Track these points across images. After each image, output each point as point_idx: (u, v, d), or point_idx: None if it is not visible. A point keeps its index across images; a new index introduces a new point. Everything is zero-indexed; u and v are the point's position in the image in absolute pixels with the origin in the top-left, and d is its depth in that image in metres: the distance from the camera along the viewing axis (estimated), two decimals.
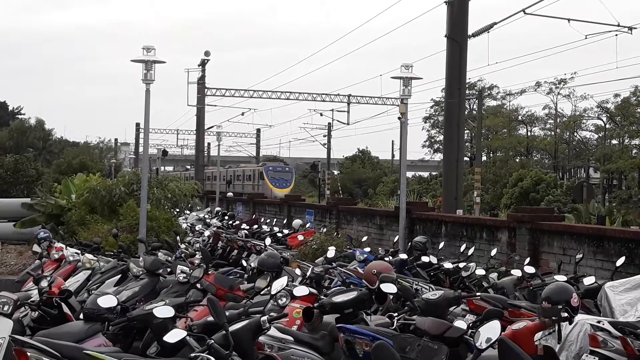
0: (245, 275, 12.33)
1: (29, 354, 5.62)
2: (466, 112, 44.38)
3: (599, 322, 7.39)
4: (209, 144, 71.32)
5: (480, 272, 11.64)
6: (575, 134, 67.57)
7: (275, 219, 25.61)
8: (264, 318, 6.17)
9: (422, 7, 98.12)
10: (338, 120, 52.81)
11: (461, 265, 12.10)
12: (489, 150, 70.44)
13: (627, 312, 8.25)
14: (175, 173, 68.11)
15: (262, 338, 6.52)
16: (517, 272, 11.04)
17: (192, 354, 5.59)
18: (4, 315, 7.27)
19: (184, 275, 9.61)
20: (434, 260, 13.07)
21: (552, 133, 68.16)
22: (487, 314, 6.69)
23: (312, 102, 52.72)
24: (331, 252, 13.35)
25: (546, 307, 6.10)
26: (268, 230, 21.23)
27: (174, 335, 5.81)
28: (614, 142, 63.89)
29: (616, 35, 24.55)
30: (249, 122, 78.72)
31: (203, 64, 49.83)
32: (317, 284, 10.10)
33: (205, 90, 49.38)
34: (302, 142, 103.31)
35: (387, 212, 20.11)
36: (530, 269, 10.92)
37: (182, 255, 12.88)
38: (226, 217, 26.66)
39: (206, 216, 27.16)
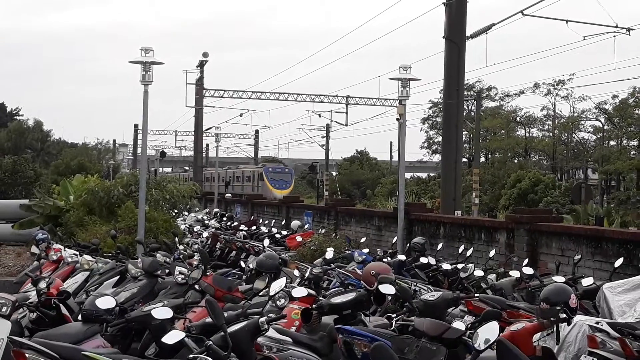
0: (244, 277, 12.31)
1: (27, 355, 5.61)
2: (464, 113, 44.40)
3: (597, 323, 7.39)
4: (207, 145, 71.32)
5: (479, 273, 11.65)
6: (574, 135, 67.66)
7: (273, 220, 25.62)
8: (263, 319, 6.16)
9: (421, 9, 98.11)
10: (336, 122, 52.84)
11: (460, 266, 12.10)
12: (488, 151, 70.49)
13: (626, 313, 8.25)
14: (173, 174, 68.10)
15: (260, 339, 6.52)
16: (515, 273, 11.05)
17: (191, 355, 5.59)
18: (2, 316, 7.25)
19: (183, 276, 9.60)
20: (432, 261, 13.07)
21: (551, 134, 68.25)
22: (486, 315, 6.70)
23: (310, 103, 52.74)
24: (330, 253, 13.35)
25: (544, 308, 6.10)
26: (266, 231, 21.25)
27: (172, 337, 5.81)
28: (612, 143, 63.96)
29: (614, 36, 24.59)
30: (248, 123, 78.47)
31: (201, 65, 49.80)
32: (316, 285, 10.11)
33: (204, 91, 49.35)
34: (301, 143, 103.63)
35: (385, 213, 20.11)
36: (528, 270, 10.93)
37: (181, 256, 12.87)
38: (224, 219, 26.66)
39: (205, 217, 27.15)
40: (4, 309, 7.27)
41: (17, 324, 7.97)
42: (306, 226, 22.22)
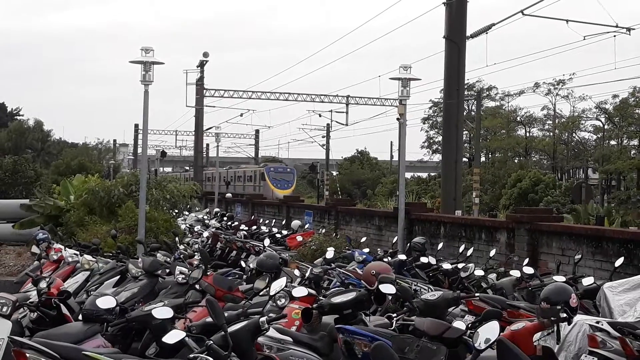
0: (244, 276, 12.32)
1: (27, 355, 5.61)
2: (465, 113, 44.41)
3: (597, 322, 7.39)
4: (207, 144, 71.32)
5: (479, 272, 11.65)
6: (574, 134, 67.67)
7: (274, 220, 25.62)
8: (263, 319, 6.17)
9: (421, 8, 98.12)
10: (337, 121, 52.84)
11: (460, 265, 12.10)
12: (488, 151, 70.50)
13: (626, 312, 8.25)
14: (174, 174, 68.10)
15: (261, 339, 6.52)
16: (515, 273, 11.04)
17: (191, 355, 5.59)
18: (3, 316, 7.26)
19: (183, 276, 9.61)
20: (432, 261, 13.07)
21: (551, 134, 68.26)
22: (486, 314, 6.70)
23: (310, 103, 52.76)
24: (330, 253, 13.35)
25: (545, 307, 6.10)
26: (267, 231, 21.24)
27: (172, 336, 5.81)
28: (613, 142, 63.99)
29: (614, 36, 24.57)
30: (248, 123, 78.51)
31: (202, 64, 49.80)
32: (316, 285, 10.11)
33: (204, 91, 49.35)
34: (301, 143, 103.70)
35: (386, 213, 20.12)
36: (529, 270, 10.93)
37: (181, 256, 12.87)
38: (225, 218, 26.67)
39: (205, 217, 27.15)
40: (4, 309, 7.28)
41: (18, 324, 7.97)
42: (306, 226, 22.22)
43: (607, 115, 63.02)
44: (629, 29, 24.26)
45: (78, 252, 12.76)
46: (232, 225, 23.68)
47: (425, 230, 16.98)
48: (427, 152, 78.33)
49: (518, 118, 69.49)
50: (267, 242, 15.65)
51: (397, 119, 18.16)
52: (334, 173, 68.37)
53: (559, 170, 69.54)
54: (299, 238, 18.39)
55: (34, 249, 13.42)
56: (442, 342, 6.46)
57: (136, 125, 70.80)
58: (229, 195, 42.95)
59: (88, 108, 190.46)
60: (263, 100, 51.97)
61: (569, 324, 6.68)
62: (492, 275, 12.17)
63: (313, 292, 8.51)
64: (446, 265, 12.34)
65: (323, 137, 58.28)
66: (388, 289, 7.47)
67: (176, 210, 20.39)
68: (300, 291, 7.99)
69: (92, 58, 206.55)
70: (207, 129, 56.01)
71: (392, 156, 78.32)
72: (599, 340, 7.12)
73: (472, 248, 13.82)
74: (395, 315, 7.52)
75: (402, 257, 13.11)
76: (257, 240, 17.85)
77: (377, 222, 19.57)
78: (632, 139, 62.38)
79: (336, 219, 22.06)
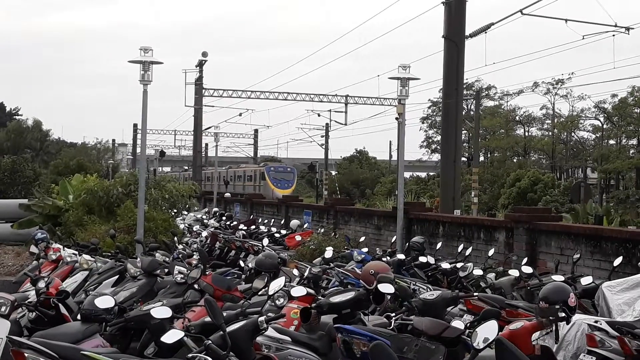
0: (243, 276, 12.32)
1: (26, 354, 5.61)
2: (464, 113, 44.42)
3: (596, 322, 7.39)
4: (206, 144, 71.26)
5: (478, 272, 11.64)
6: (573, 134, 67.72)
7: (272, 220, 25.60)
8: (262, 318, 6.17)
9: (420, 8, 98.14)
10: (336, 121, 52.86)
11: (459, 265, 12.10)
12: (487, 150, 70.57)
13: (625, 311, 8.25)
14: (173, 173, 68.11)
15: (259, 338, 6.52)
16: (514, 272, 11.04)
17: (190, 355, 5.59)
18: (1, 316, 7.25)
19: (182, 275, 9.61)
20: (431, 260, 13.06)
21: (550, 133, 68.32)
22: (485, 314, 6.70)
23: (309, 102, 52.78)
24: (329, 253, 13.34)
25: (544, 307, 6.10)
26: (266, 230, 21.22)
27: (171, 336, 5.81)
28: (612, 142, 64.07)
29: (613, 35, 24.63)
30: (247, 123, 78.60)
31: (200, 64, 49.80)
32: (315, 285, 10.10)
33: (203, 90, 49.35)
34: (300, 143, 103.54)
35: (384, 213, 20.11)
36: (527, 269, 10.93)
37: (180, 255, 12.86)
38: (224, 218, 26.66)
39: (204, 217, 27.14)
40: (2, 309, 7.26)
41: (16, 324, 7.97)
42: (305, 225, 22.20)
43: (606, 115, 63.07)
44: (627, 29, 24.30)
45: (77, 252, 12.76)
46: (231, 224, 23.66)
47: (424, 229, 16.98)
48: (426, 151, 78.50)
49: (517, 117, 69.58)
50: (265, 241, 15.63)
51: (396, 118, 18.14)
52: (333, 173, 68.42)
53: (558, 170, 69.60)
54: (298, 238, 18.37)
55: (33, 248, 13.41)
56: (440, 342, 6.46)
57: (135, 125, 70.74)
58: (227, 195, 42.94)
59: (87, 108, 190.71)
60: (262, 100, 52.02)
61: (567, 324, 6.69)
62: (491, 275, 12.16)
63: (312, 291, 8.51)
64: (445, 265, 12.33)
65: (322, 136, 58.36)
66: (387, 288, 7.47)
67: (175, 210, 20.37)
68: (299, 291, 8.00)
69: (92, 58, 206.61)
70: (206, 129, 56.02)
71: (391, 156, 78.40)
72: (597, 339, 7.12)
73: (470, 247, 13.81)
74: (394, 314, 7.52)
75: (401, 256, 13.11)
76: (255, 239, 17.83)
77: (375, 222, 19.57)
78: (630, 139, 62.47)
79: (335, 219, 22.05)
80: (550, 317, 6.10)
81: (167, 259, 12.23)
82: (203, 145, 64.06)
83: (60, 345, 6.04)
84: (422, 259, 13.07)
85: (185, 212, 24.50)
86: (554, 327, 6.35)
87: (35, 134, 74.96)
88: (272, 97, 51.74)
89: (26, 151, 66.73)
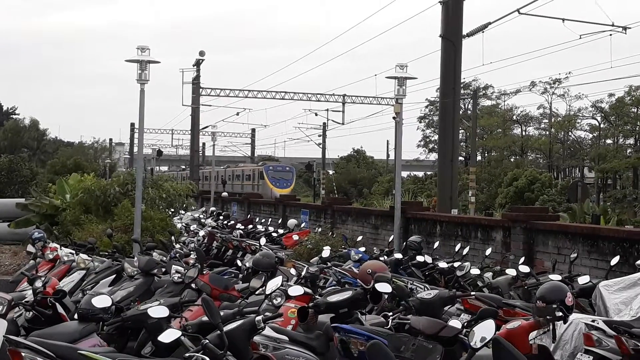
0: (240, 275, 12.31)
1: (23, 354, 5.60)
2: (461, 112, 44.49)
3: (593, 321, 7.40)
4: (203, 143, 71.28)
5: (475, 271, 11.64)
6: (570, 133, 67.77)
7: (270, 219, 25.60)
8: (259, 318, 6.17)
9: (417, 7, 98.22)
10: (333, 120, 52.87)
11: (456, 264, 12.09)
12: (484, 149, 70.65)
13: (622, 311, 8.26)
14: (170, 173, 68.06)
15: (256, 338, 6.52)
16: (511, 272, 11.05)
17: (187, 354, 5.59)
18: None
19: (179, 275, 9.60)
20: (428, 259, 13.06)
21: (547, 133, 68.37)
22: (482, 313, 6.70)
23: (307, 102, 52.76)
24: (326, 252, 13.34)
25: (541, 306, 6.10)
26: (263, 230, 21.21)
27: (168, 335, 5.80)
28: (609, 141, 64.15)
29: (610, 35, 24.63)
30: (244, 122, 78.88)
31: (198, 64, 49.77)
32: (312, 284, 10.09)
33: (200, 90, 49.34)
34: (297, 142, 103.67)
35: (382, 212, 20.11)
36: (524, 268, 10.94)
37: (177, 255, 12.86)
38: (221, 217, 26.65)
39: (201, 216, 27.13)
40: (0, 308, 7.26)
41: (13, 323, 7.96)
42: (303, 225, 22.21)
43: (603, 114, 63.14)
44: (624, 28, 24.31)
45: (74, 251, 12.75)
46: (228, 224, 23.66)
47: (421, 229, 16.98)
48: (423, 151, 78.56)
49: (514, 117, 69.62)
50: (263, 241, 15.63)
51: (393, 117, 18.18)
52: (330, 172, 68.37)
53: (555, 169, 69.67)
54: (295, 237, 18.38)
55: (30, 248, 13.40)
56: (438, 341, 6.47)
57: (132, 124, 70.69)
58: (225, 194, 42.93)
59: (84, 107, 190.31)
60: (259, 99, 52.06)
61: (564, 323, 6.70)
62: (488, 274, 12.17)
63: (309, 291, 8.50)
64: (442, 264, 12.33)
65: (319, 136, 58.39)
66: (384, 287, 7.47)
67: (172, 209, 20.38)
68: (296, 290, 7.99)
69: (90, 58, 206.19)
70: (203, 128, 55.99)
71: (388, 155, 78.42)
72: (594, 339, 7.13)
73: (468, 247, 13.82)
74: (391, 314, 7.52)
75: (398, 255, 13.10)
76: (253, 239, 17.84)
77: (373, 221, 19.57)
78: (627, 138, 62.55)
79: (332, 218, 22.05)
80: (548, 317, 6.10)
81: (165, 258, 12.23)
82: (200, 144, 64.06)
83: (58, 345, 6.03)
84: (420, 258, 13.07)
85: (183, 212, 24.49)
86: (551, 327, 6.35)
87: (32, 133, 74.94)
88: (269, 97, 51.76)
89: (23, 150, 66.70)
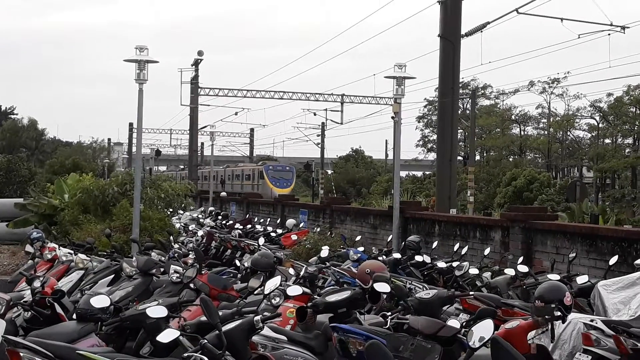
0: (239, 275, 12.32)
1: (21, 354, 5.60)
2: (460, 112, 44.49)
3: (592, 320, 7.41)
4: (202, 143, 71.23)
5: (474, 271, 11.65)
6: (569, 133, 67.76)
7: (268, 219, 25.59)
8: (257, 318, 6.16)
9: (416, 7, 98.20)
10: (331, 120, 52.93)
11: (455, 264, 12.10)
12: (483, 149, 70.63)
13: (620, 310, 8.27)
14: (169, 173, 68.04)
15: (255, 338, 6.52)
16: (510, 271, 11.06)
17: (185, 354, 5.58)
18: None
19: (177, 275, 9.60)
20: (427, 259, 13.07)
21: (546, 132, 68.35)
22: (480, 313, 6.70)
23: (305, 101, 52.82)
24: (325, 252, 13.34)
25: (539, 306, 6.10)
26: (261, 229, 21.20)
27: (167, 335, 5.80)
28: (607, 141, 64.14)
29: (609, 34, 24.63)
30: (243, 122, 78.84)
31: (196, 63, 49.78)
32: (311, 284, 10.10)
33: (199, 89, 49.35)
34: (296, 142, 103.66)
35: (380, 212, 20.11)
36: (523, 268, 10.94)
37: (176, 255, 12.86)
38: (220, 217, 26.65)
39: (200, 216, 27.12)
40: None
41: (12, 323, 7.94)
42: (301, 225, 22.20)
43: (601, 114, 63.13)
44: (623, 28, 24.32)
45: (72, 251, 12.75)
46: (227, 224, 23.66)
47: (419, 228, 16.98)
48: (422, 150, 78.52)
49: (513, 116, 69.61)
50: (261, 240, 15.64)
51: (392, 117, 18.14)
52: (329, 172, 68.39)
53: (554, 169, 69.67)
54: (294, 237, 18.39)
55: (28, 248, 13.39)
56: (436, 341, 6.47)
57: (131, 124, 70.70)
58: (223, 194, 42.91)
59: (83, 107, 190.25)
60: (258, 99, 52.12)
61: (563, 322, 6.69)
62: (487, 274, 12.18)
63: (308, 290, 8.51)
64: (441, 264, 12.34)
65: (318, 135, 58.37)
66: (383, 287, 7.46)
67: (171, 209, 20.37)
68: (294, 290, 7.99)
69: (89, 57, 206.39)
70: (201, 128, 55.98)
71: (387, 155, 78.34)
72: (593, 338, 7.13)
73: (466, 246, 13.81)
74: (389, 313, 7.53)
75: (397, 255, 13.10)
76: (251, 239, 17.82)
77: (371, 221, 19.57)
78: (626, 138, 62.54)
79: (331, 218, 22.05)
80: (546, 316, 6.10)
81: (163, 258, 12.23)
82: (199, 144, 64.06)
83: (56, 345, 6.03)
84: (418, 258, 13.08)
85: (181, 212, 24.49)
86: (549, 326, 6.35)
87: (30, 133, 74.89)
88: (267, 96, 51.78)
89: (21, 150, 66.63)
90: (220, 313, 6.36)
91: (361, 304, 7.69)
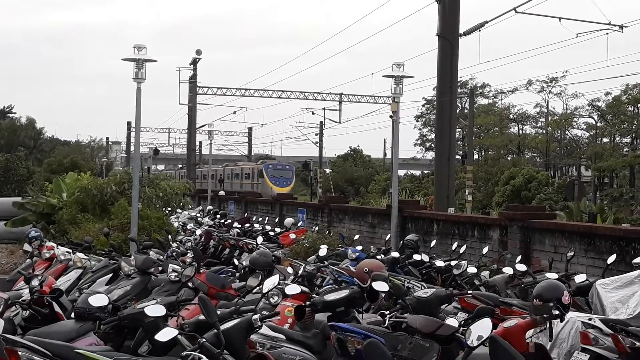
0: (237, 274, 12.31)
1: (20, 353, 5.60)
2: (458, 111, 44.40)
3: (590, 319, 7.41)
4: (200, 142, 71.34)
5: (472, 270, 11.65)
6: (567, 132, 67.81)
7: (267, 218, 25.59)
8: (256, 316, 6.16)
9: (414, 6, 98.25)
10: (330, 119, 52.91)
11: (453, 263, 12.11)
12: (481, 148, 70.64)
13: (618, 309, 8.27)
14: (167, 171, 68.00)
15: (253, 336, 6.52)
16: (508, 270, 11.06)
17: (184, 353, 5.58)
18: None
19: (176, 274, 9.59)
20: (425, 258, 13.07)
21: (544, 131, 68.39)
22: (479, 311, 6.70)
23: (304, 100, 52.83)
24: (323, 251, 13.35)
25: (537, 304, 6.11)
26: (260, 228, 21.21)
27: (165, 334, 5.80)
28: (605, 140, 64.17)
29: (607, 33, 24.62)
30: (241, 121, 78.85)
31: (194, 62, 49.77)
32: (309, 283, 10.11)
33: (197, 88, 49.33)
34: (294, 141, 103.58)
35: (379, 211, 20.12)
36: (521, 267, 10.95)
37: (174, 254, 12.85)
38: (218, 216, 26.64)
39: (198, 215, 27.12)
40: None
41: (10, 322, 7.93)
42: (300, 223, 22.20)
43: (599, 113, 63.18)
44: (621, 27, 24.32)
45: (70, 250, 12.73)
46: (225, 222, 23.65)
47: (418, 227, 16.99)
48: (420, 149, 78.54)
49: (511, 116, 69.63)
50: (260, 239, 15.64)
51: (390, 116, 18.11)
52: (327, 171, 68.34)
53: (552, 168, 69.69)
54: (292, 236, 18.39)
55: (26, 247, 13.38)
56: (434, 340, 6.47)
57: (129, 123, 70.69)
58: (222, 193, 42.89)
59: (81, 106, 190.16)
60: (256, 98, 52.11)
61: (561, 321, 6.69)
62: (485, 273, 12.18)
63: (306, 289, 8.51)
64: (439, 263, 12.34)
65: (316, 134, 58.29)
66: (381, 286, 7.46)
67: (169, 208, 20.36)
68: (293, 289, 7.99)
69: (89, 57, 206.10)
70: (200, 127, 56.03)
71: (385, 154, 78.41)
72: (591, 337, 7.14)
73: (465, 245, 13.82)
74: (388, 312, 7.52)
75: (395, 254, 13.11)
76: (250, 237, 17.84)
77: (370, 220, 19.58)
78: (624, 137, 62.60)
79: (329, 217, 22.05)
80: (544, 315, 6.10)
81: (161, 257, 12.22)
82: (197, 143, 64.12)
83: (54, 344, 6.03)
84: (417, 256, 13.08)
85: (180, 210, 24.49)
86: (547, 325, 6.36)
87: (28, 132, 74.88)
88: (266, 95, 51.79)
89: (20, 149, 66.67)
90: (218, 312, 6.37)
91: (359, 302, 7.69)
